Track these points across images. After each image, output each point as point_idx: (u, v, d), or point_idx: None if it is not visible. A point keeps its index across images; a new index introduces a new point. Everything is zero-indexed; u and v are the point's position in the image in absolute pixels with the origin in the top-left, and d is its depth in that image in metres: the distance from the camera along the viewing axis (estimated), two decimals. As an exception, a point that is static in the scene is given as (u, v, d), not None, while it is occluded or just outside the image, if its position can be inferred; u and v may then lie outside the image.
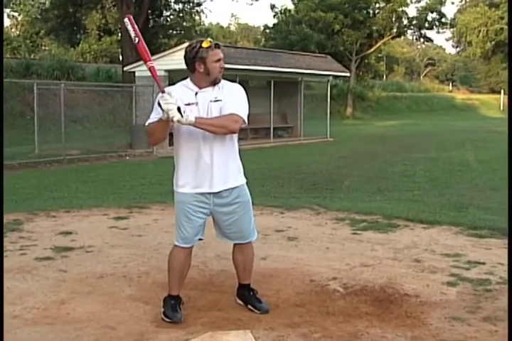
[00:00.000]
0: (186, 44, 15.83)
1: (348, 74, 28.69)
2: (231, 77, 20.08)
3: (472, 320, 4.21)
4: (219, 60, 4.08)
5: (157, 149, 17.96)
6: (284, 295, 4.79)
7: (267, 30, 48.67)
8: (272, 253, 5.98)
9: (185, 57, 4.14)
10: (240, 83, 15.20)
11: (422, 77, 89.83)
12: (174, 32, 39.80)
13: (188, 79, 4.20)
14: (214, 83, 4.14)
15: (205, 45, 4.00)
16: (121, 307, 4.48)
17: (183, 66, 14.63)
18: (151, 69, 3.96)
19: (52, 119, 17.22)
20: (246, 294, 4.58)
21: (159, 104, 3.83)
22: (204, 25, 50.87)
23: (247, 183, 4.70)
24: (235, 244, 4.77)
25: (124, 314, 4.36)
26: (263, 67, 20.20)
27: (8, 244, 6.33)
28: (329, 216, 7.93)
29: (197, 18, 43.57)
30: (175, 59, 18.62)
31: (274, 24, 47.44)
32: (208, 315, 4.33)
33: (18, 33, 53.35)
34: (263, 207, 8.48)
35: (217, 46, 4.07)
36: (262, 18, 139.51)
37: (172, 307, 4.28)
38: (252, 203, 8.59)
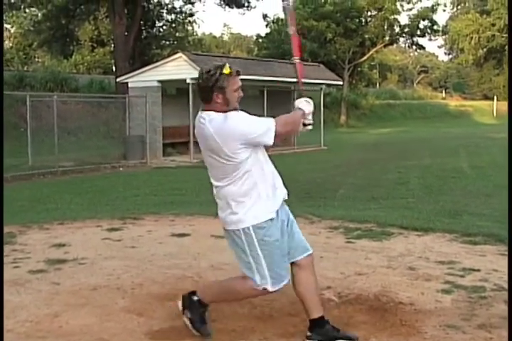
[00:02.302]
0: (178, 55, 15.65)
1: (340, 83, 28.74)
2: (224, 86, 20.19)
3: (467, 327, 4.20)
4: (238, 89, 3.74)
5: (151, 160, 17.99)
6: (277, 304, 4.77)
7: (260, 40, 48.76)
8: (266, 263, 5.95)
9: (200, 85, 3.72)
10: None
11: (415, 84, 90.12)
12: (167, 42, 39.84)
13: (206, 112, 3.76)
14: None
15: (226, 71, 3.63)
16: (115, 320, 4.45)
17: (176, 76, 14.80)
18: (296, 65, 4.01)
19: (46, 131, 17.20)
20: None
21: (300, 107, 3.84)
22: (197, 35, 50.93)
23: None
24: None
25: (118, 326, 4.33)
26: (256, 76, 20.22)
27: (1, 258, 6.31)
28: (323, 225, 7.92)
29: (189, 28, 43.76)
30: (167, 69, 18.71)
31: (266, 33, 47.56)
32: (202, 326, 4.31)
33: (10, 45, 53.37)
34: (256, 216, 8.46)
35: (238, 73, 3.74)
36: (254, 27, 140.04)
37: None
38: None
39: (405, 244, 6.75)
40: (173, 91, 20.82)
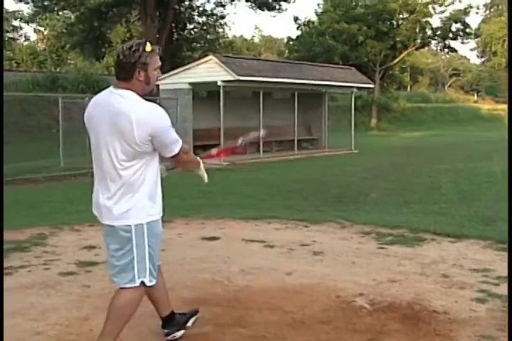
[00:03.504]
0: (209, 58, 15.70)
1: (372, 86, 28.56)
2: (255, 89, 20.23)
3: (502, 338, 4.10)
4: (158, 68, 3.61)
5: (181, 162, 17.94)
6: (309, 311, 4.71)
7: (291, 42, 48.62)
8: (298, 268, 5.90)
9: (122, 61, 3.50)
10: (263, 95, 15.08)
11: (446, 87, 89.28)
12: (198, 45, 39.93)
13: (123, 90, 3.54)
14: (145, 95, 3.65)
15: (148, 48, 3.48)
16: (144, 324, 4.41)
17: (207, 79, 14.76)
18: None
19: (77, 132, 17.24)
20: None
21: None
22: (228, 37, 50.96)
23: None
24: None
25: (146, 331, 4.30)
26: (287, 79, 20.17)
27: (32, 259, 6.33)
28: (355, 229, 7.84)
29: (220, 30, 43.79)
30: (198, 72, 18.72)
31: (297, 36, 47.40)
32: (232, 332, 4.26)
33: (44, 47, 54.00)
34: (287, 220, 8.43)
35: (159, 51, 3.62)
36: (285, 30, 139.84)
37: None
38: (276, 216, 8.57)
39: (438, 251, 6.64)
40: (203, 94, 20.83)
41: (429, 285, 5.36)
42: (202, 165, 3.95)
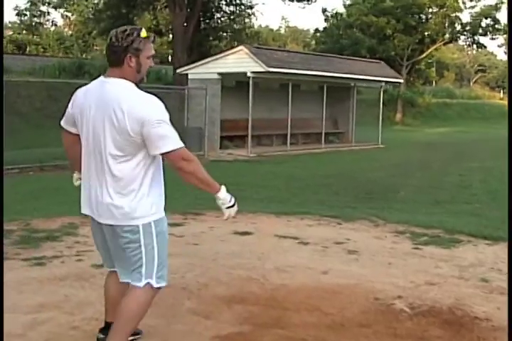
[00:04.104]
0: (239, 48, 15.56)
1: (401, 81, 28.31)
2: (284, 81, 20.08)
3: (550, 348, 3.97)
4: (151, 57, 3.40)
5: (208, 152, 17.89)
6: (348, 313, 4.61)
7: (318, 34, 48.33)
8: (333, 267, 5.80)
9: (113, 44, 3.28)
10: (292, 87, 14.95)
11: (472, 83, 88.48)
12: (224, 34, 39.75)
13: (114, 78, 3.33)
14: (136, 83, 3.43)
15: (143, 34, 3.29)
16: (182, 322, 4.34)
17: (236, 69, 14.69)
18: None
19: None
20: None
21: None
22: (254, 27, 50.69)
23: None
24: None
25: (185, 329, 4.22)
26: (316, 71, 20.02)
27: (65, 249, 6.28)
28: (388, 228, 7.72)
29: (247, 20, 43.54)
30: (228, 62, 18.61)
31: (324, 28, 47.11)
32: (270, 333, 4.17)
33: (70, 32, 54.11)
34: (320, 216, 8.32)
35: (154, 40, 3.40)
36: (311, 21, 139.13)
37: None
38: (308, 212, 8.46)
39: (475, 253, 6.51)
40: (232, 84, 20.74)
41: (469, 289, 5.24)
42: (223, 193, 3.55)
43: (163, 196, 3.56)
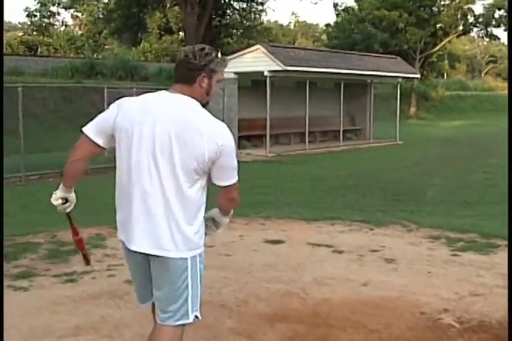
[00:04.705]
0: (256, 47, 15.37)
1: (418, 76, 28.01)
2: (302, 79, 19.88)
3: None
4: (220, 82, 3.21)
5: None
6: (396, 330, 4.43)
7: (330, 29, 48.03)
8: (372, 278, 5.61)
9: (189, 61, 3.07)
10: (309, 85, 14.71)
11: (483, 74, 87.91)
12: (234, 31, 39.61)
13: (186, 97, 3.09)
14: None
15: (220, 56, 3.15)
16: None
17: (253, 68, 14.47)
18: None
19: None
20: None
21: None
22: (264, 23, 50.43)
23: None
24: None
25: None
26: (333, 69, 19.82)
27: (95, 263, 6.08)
28: (422, 233, 7.52)
29: (258, 17, 43.31)
30: (244, 61, 18.43)
31: (335, 22, 46.82)
32: (318, 354, 4.01)
33: (81, 32, 54.04)
34: (350, 222, 8.14)
35: (226, 64, 3.24)
36: (320, 15, 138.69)
37: None
38: (338, 217, 8.26)
39: (517, 259, 6.31)
40: (248, 84, 20.55)
41: (517, 300, 5.05)
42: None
43: None
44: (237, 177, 3.15)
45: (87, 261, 3.78)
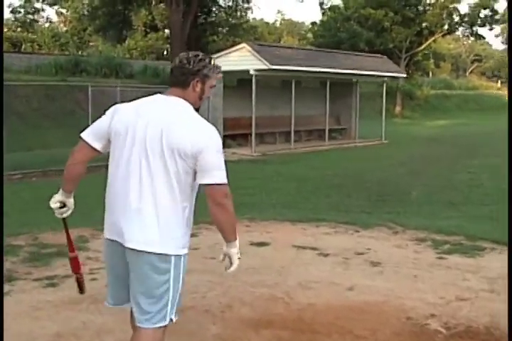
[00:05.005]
0: (242, 46, 15.35)
1: (404, 75, 28.01)
2: (287, 78, 19.81)
3: None
4: (213, 87, 3.32)
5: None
6: (381, 336, 4.40)
7: (315, 28, 48.00)
8: (358, 282, 5.57)
9: (184, 66, 3.18)
10: (294, 84, 14.63)
11: (468, 73, 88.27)
12: (220, 29, 39.49)
13: (180, 99, 3.21)
14: None
15: (213, 62, 3.24)
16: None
17: (239, 67, 14.48)
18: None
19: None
20: None
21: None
22: (250, 21, 50.30)
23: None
24: None
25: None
26: (320, 68, 19.75)
27: (77, 267, 6.02)
28: (408, 236, 7.49)
29: (244, 14, 43.19)
30: (230, 60, 18.32)
31: (321, 21, 46.82)
32: (304, 361, 3.95)
33: (65, 29, 53.74)
34: (335, 223, 8.09)
35: (219, 71, 3.32)
36: (306, 13, 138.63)
37: None
38: (323, 219, 8.21)
39: (502, 263, 6.25)
40: (233, 82, 20.47)
41: (503, 304, 4.98)
42: (238, 242, 3.33)
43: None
44: (224, 180, 3.12)
45: (81, 289, 3.79)
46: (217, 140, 3.15)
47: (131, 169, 3.14)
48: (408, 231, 7.69)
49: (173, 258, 3.17)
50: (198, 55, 3.22)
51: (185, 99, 3.19)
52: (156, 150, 3.09)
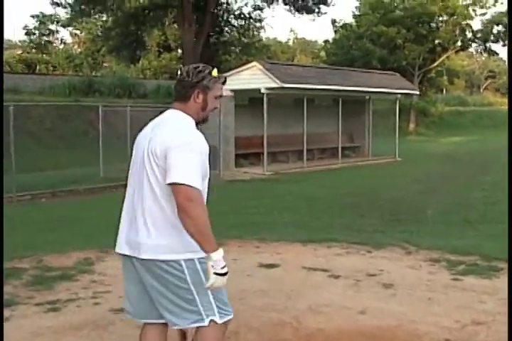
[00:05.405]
0: (252, 64, 15.31)
1: (417, 92, 27.83)
2: (299, 96, 19.71)
3: None
4: (219, 98, 3.34)
5: (223, 171, 17.45)
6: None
7: (328, 46, 48.04)
8: (370, 305, 5.37)
9: (183, 79, 3.24)
10: (306, 102, 14.48)
11: (482, 89, 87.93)
12: (233, 48, 39.55)
13: (180, 112, 3.25)
14: (197, 124, 3.31)
15: (214, 74, 3.25)
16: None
17: (250, 86, 14.36)
18: None
19: (116, 138, 16.87)
20: None
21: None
22: (263, 40, 50.38)
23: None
24: None
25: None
26: (331, 86, 19.62)
27: (80, 290, 5.87)
28: (422, 256, 7.27)
29: (256, 34, 43.26)
30: (241, 78, 18.26)
31: (334, 39, 46.87)
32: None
33: (80, 50, 54.06)
34: (347, 244, 7.89)
35: (224, 82, 3.33)
36: (320, 32, 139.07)
37: None
38: (335, 239, 8.02)
39: (520, 284, 6.06)
40: (245, 101, 20.40)
41: (521, 328, 4.80)
42: (218, 255, 3.05)
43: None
44: (186, 180, 2.98)
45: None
46: (187, 139, 3.08)
47: (134, 181, 3.28)
48: (422, 252, 7.47)
49: (183, 262, 3.13)
50: (198, 67, 3.27)
51: (184, 112, 3.24)
52: (146, 162, 3.16)
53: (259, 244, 7.90)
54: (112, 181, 14.76)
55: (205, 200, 3.18)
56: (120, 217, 3.37)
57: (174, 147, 3.04)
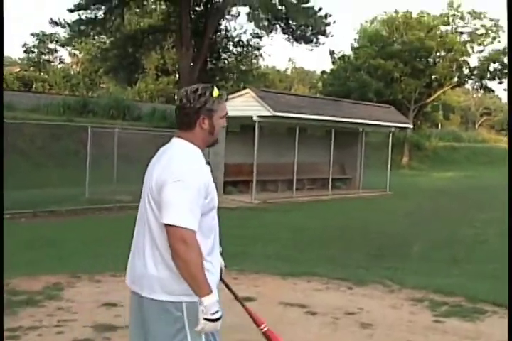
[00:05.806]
0: (246, 91, 15.00)
1: (410, 126, 27.76)
2: (292, 125, 19.56)
3: None
4: (225, 116, 3.09)
5: (211, 198, 17.15)
6: None
7: (325, 76, 48.20)
8: (345, 347, 5.12)
9: (184, 106, 2.98)
10: (298, 132, 14.23)
11: (477, 126, 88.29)
12: (231, 75, 39.59)
13: (185, 142, 3.01)
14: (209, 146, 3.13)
15: (215, 94, 2.99)
16: None
17: (242, 113, 14.09)
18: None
19: (105, 159, 16.67)
20: None
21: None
22: (261, 68, 50.47)
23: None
24: None
25: None
26: (324, 116, 19.48)
27: (44, 317, 5.61)
28: (404, 295, 7.04)
29: (254, 61, 43.32)
30: (233, 105, 18.03)
31: (331, 70, 47.04)
32: None
33: (78, 70, 54.12)
34: (328, 279, 7.64)
35: (226, 98, 3.11)
36: (318, 62, 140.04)
37: None
38: (316, 273, 7.76)
39: (503, 329, 5.78)
40: (237, 128, 20.25)
41: (502, 377, 4.57)
42: (210, 300, 2.83)
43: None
44: (180, 222, 2.76)
45: None
46: (182, 176, 2.82)
47: (139, 213, 3.07)
48: (405, 290, 7.23)
49: (184, 305, 2.89)
50: (197, 91, 2.98)
51: (191, 141, 3.00)
52: (146, 194, 2.99)
53: (238, 276, 7.62)
54: (95, 203, 14.52)
55: (217, 231, 3.07)
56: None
57: (169, 183, 2.82)
